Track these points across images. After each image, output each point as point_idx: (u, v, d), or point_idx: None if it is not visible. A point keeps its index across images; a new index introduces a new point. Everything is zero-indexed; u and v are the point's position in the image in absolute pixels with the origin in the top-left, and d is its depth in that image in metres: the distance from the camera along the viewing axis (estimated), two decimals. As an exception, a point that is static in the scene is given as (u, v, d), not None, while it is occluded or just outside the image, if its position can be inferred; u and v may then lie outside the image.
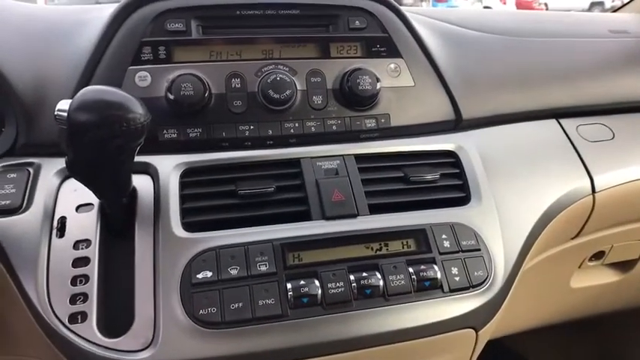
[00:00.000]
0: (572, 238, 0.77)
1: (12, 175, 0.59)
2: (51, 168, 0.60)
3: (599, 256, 0.88)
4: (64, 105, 0.48)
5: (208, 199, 0.58)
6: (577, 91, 0.80)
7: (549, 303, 0.89)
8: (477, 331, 0.57)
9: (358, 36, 0.68)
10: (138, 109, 0.47)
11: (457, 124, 0.71)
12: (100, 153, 0.50)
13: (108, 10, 0.69)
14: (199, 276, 0.52)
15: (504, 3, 11.95)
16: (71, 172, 0.54)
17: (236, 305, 0.51)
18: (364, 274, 0.54)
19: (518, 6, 11.34)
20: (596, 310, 0.98)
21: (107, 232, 0.56)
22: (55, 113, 0.48)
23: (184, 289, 0.51)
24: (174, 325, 0.50)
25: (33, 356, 0.57)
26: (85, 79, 0.62)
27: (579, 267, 0.86)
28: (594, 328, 1.14)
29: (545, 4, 11.50)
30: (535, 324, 0.95)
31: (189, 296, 0.51)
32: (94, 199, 0.58)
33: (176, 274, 0.52)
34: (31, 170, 0.60)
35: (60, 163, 0.60)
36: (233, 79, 0.64)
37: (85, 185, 0.55)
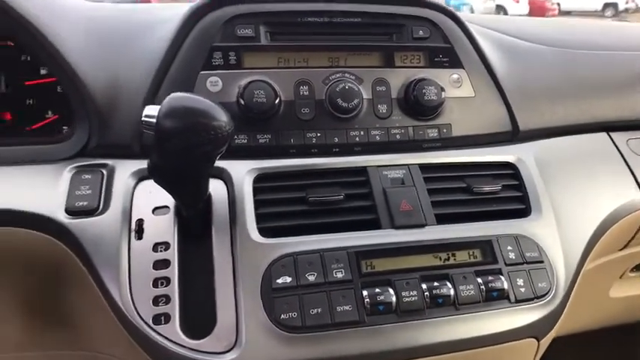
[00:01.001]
0: (620, 250, 0.79)
1: (86, 177, 0.60)
2: (124, 170, 0.61)
3: (640, 267, 0.90)
4: (151, 111, 0.49)
5: (280, 205, 0.60)
6: (627, 105, 0.81)
7: (586, 311, 0.92)
8: (538, 341, 0.59)
9: (422, 45, 0.69)
10: (223, 117, 0.48)
11: (514, 135, 0.73)
12: (185, 159, 0.51)
13: (172, 11, 0.70)
14: (279, 281, 0.53)
15: (517, 2, 11.90)
16: (153, 175, 0.55)
17: (315, 311, 0.52)
18: (435, 283, 0.56)
19: (532, 5, 11.31)
20: (632, 319, 1.00)
21: (183, 234, 0.58)
22: (143, 119, 0.49)
23: (265, 294, 0.53)
24: (258, 329, 0.51)
25: (109, 354, 0.59)
26: (157, 82, 0.63)
27: (620, 277, 0.88)
28: (626, 334, 1.16)
29: (558, 4, 11.48)
30: (568, 331, 0.97)
31: (270, 301, 0.53)
32: (170, 202, 0.59)
33: (256, 278, 0.54)
34: (104, 172, 0.61)
35: (132, 164, 0.62)
36: (301, 87, 0.65)
37: (165, 189, 0.56)
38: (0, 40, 0.73)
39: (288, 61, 0.66)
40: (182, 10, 0.67)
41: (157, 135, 0.49)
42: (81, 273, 0.55)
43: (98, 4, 0.75)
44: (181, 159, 0.52)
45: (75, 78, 0.60)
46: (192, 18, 0.64)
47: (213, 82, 0.63)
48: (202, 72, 0.63)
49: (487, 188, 0.65)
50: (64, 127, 0.68)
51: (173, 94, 0.50)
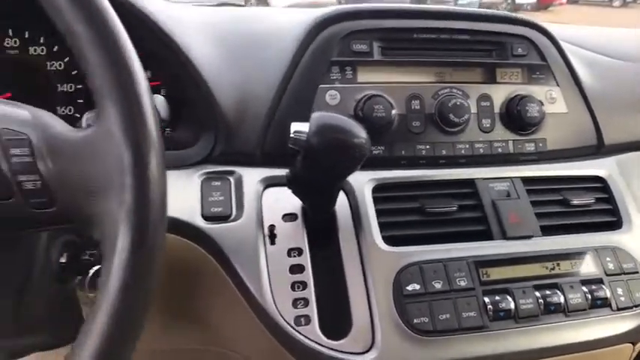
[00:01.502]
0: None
1: (216, 183, 0.63)
2: (251, 177, 0.64)
3: None
4: (300, 127, 0.53)
5: (399, 215, 0.64)
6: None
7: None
8: (634, 345, 0.65)
9: (520, 63, 0.73)
10: (364, 135, 0.52)
11: (598, 149, 0.77)
12: (326, 173, 0.55)
13: (286, 17, 0.73)
14: (409, 288, 0.58)
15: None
16: (292, 185, 0.59)
17: (444, 316, 0.57)
18: (547, 291, 0.61)
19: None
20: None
21: (310, 241, 0.62)
22: (292, 135, 0.53)
23: (397, 299, 0.57)
24: (394, 332, 0.56)
25: (239, 351, 0.63)
26: (280, 94, 0.66)
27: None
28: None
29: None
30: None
31: (403, 306, 0.57)
32: (297, 210, 0.63)
33: (387, 285, 0.58)
34: (231, 179, 0.64)
35: (256, 172, 0.65)
36: (413, 101, 0.69)
37: (300, 198, 0.60)
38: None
39: (398, 76, 0.69)
40: (298, 18, 0.70)
41: (305, 151, 0.53)
42: (220, 276, 0.59)
43: (216, 8, 0.78)
44: (323, 173, 0.56)
45: (209, 96, 0.63)
46: (313, 32, 0.67)
47: (332, 95, 0.67)
48: (321, 85, 0.66)
49: (581, 201, 0.69)
50: (167, 130, 0.71)
51: (320, 113, 0.53)
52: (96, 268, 0.54)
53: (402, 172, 0.67)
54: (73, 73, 0.75)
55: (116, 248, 0.35)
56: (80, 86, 0.76)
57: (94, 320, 0.35)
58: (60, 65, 0.75)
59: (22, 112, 0.38)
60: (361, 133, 0.52)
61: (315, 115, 0.53)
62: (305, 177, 0.57)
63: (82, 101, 0.76)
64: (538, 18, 0.80)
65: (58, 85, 0.75)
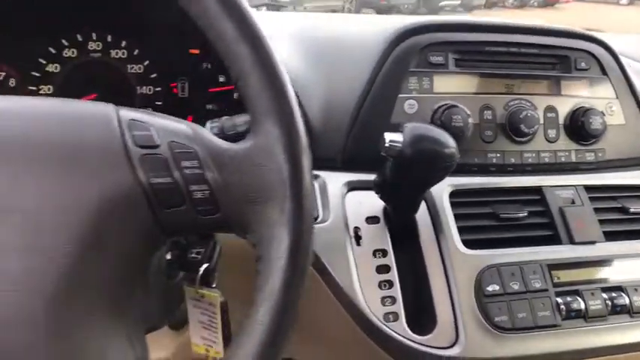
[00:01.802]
0: None
1: None
2: (333, 181, 0.68)
3: None
4: (394, 137, 0.57)
5: (474, 220, 0.68)
6: None
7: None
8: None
9: (584, 76, 0.77)
10: (454, 146, 0.56)
11: (650, 159, 0.81)
12: (416, 181, 0.59)
13: (362, 27, 0.76)
14: (489, 288, 0.62)
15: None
16: (380, 190, 0.63)
17: (521, 315, 0.61)
18: (613, 294, 0.65)
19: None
20: None
21: (393, 243, 0.66)
22: (388, 144, 0.56)
23: (479, 299, 0.62)
24: (477, 329, 0.60)
25: (332, 347, 0.68)
26: (361, 102, 0.70)
27: None
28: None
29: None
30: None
31: (483, 305, 0.61)
32: (379, 212, 0.67)
33: (469, 286, 0.62)
34: (316, 183, 0.68)
35: (337, 176, 0.69)
36: (485, 111, 0.72)
37: (386, 202, 0.64)
38: (191, 48, 0.79)
39: (471, 87, 0.73)
40: (378, 28, 0.74)
41: (399, 160, 0.57)
42: (312, 275, 0.63)
43: (298, 15, 0.81)
44: (413, 180, 0.60)
45: (300, 107, 0.66)
46: (393, 43, 0.70)
47: (411, 104, 0.70)
48: (400, 95, 0.70)
49: (638, 209, 0.73)
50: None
51: (413, 124, 0.57)
52: (205, 266, 0.58)
53: (475, 178, 0.71)
54: (152, 76, 0.79)
55: (276, 251, 0.39)
56: (159, 89, 0.80)
57: (257, 315, 0.38)
58: (139, 68, 0.78)
59: (184, 127, 0.41)
60: (452, 143, 0.56)
61: (410, 126, 0.57)
62: (394, 183, 0.61)
63: (160, 103, 0.80)
64: (544, 15, 0.84)
65: (137, 88, 0.79)
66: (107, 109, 0.41)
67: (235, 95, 0.82)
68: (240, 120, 0.52)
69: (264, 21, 0.74)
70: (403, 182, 0.60)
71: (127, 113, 0.41)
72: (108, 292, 0.37)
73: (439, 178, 0.59)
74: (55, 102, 0.41)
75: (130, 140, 0.39)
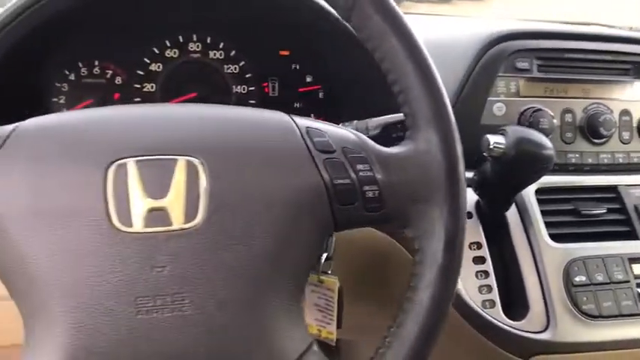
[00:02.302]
0: None
1: None
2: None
3: None
4: (497, 139, 0.62)
5: (559, 215, 0.73)
6: None
7: None
8: None
9: (655, 81, 0.82)
10: (552, 147, 0.61)
11: None
12: (516, 180, 0.65)
13: (455, 31, 0.81)
14: (577, 279, 0.68)
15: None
16: (477, 188, 0.68)
17: (606, 304, 0.67)
18: (686, 285, 0.71)
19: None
20: None
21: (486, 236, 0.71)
22: (492, 146, 0.62)
23: (568, 289, 0.67)
24: (567, 315, 0.66)
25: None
26: (453, 104, 0.74)
27: None
28: None
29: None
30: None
31: (572, 294, 0.67)
32: (472, 208, 0.72)
33: (558, 276, 0.68)
34: None
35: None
36: (566, 114, 0.78)
37: (482, 197, 0.69)
38: (281, 49, 0.84)
39: (552, 91, 0.78)
40: (470, 33, 0.78)
41: (502, 161, 0.62)
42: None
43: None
44: (513, 180, 0.65)
45: None
46: (484, 48, 0.75)
47: (499, 107, 0.75)
48: (490, 98, 0.75)
49: None
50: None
51: (515, 127, 0.63)
52: (325, 255, 0.63)
53: (557, 177, 0.76)
54: (246, 76, 0.84)
55: (435, 245, 0.44)
56: (252, 88, 0.84)
57: (417, 298, 0.44)
58: (235, 69, 0.83)
59: (349, 134, 0.46)
60: (551, 145, 0.61)
61: (512, 129, 0.62)
62: (494, 182, 0.66)
63: (254, 102, 0.85)
64: (473, 7, 0.87)
65: (233, 87, 0.84)
66: (284, 117, 0.46)
67: (321, 95, 0.87)
68: (373, 124, 0.57)
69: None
70: (502, 181, 0.65)
71: (302, 121, 0.46)
72: (292, 276, 0.43)
73: (536, 178, 0.65)
74: (239, 110, 0.46)
75: (311, 145, 0.44)
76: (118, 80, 0.80)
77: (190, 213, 0.39)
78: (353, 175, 0.44)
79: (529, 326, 0.66)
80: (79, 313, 0.38)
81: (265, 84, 0.85)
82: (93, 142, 0.40)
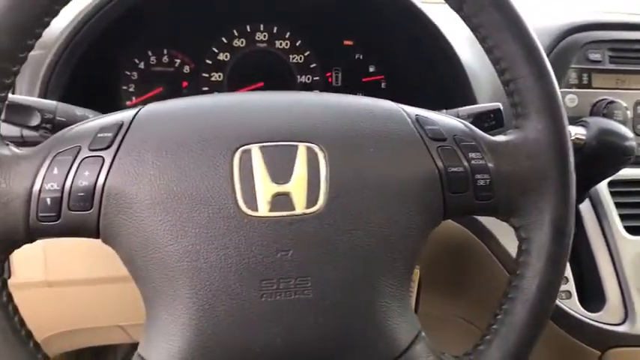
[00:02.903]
0: None
1: None
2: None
3: None
4: (578, 130, 0.62)
5: (630, 208, 0.73)
6: None
7: None
8: None
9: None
10: (633, 138, 0.61)
11: None
12: (596, 171, 0.64)
13: None
14: (654, 271, 0.68)
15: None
16: None
17: (681, 297, 0.67)
18: None
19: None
20: None
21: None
22: (573, 137, 0.61)
23: (644, 281, 0.67)
24: (644, 307, 0.66)
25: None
26: None
27: None
28: None
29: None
30: None
31: (649, 287, 0.67)
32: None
33: (635, 268, 0.68)
34: None
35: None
36: (638, 106, 0.77)
37: None
38: (346, 39, 0.84)
39: (624, 83, 0.77)
40: (543, 24, 0.77)
41: (582, 152, 0.62)
42: (484, 253, 0.69)
43: None
44: (592, 171, 0.65)
45: (471, 95, 0.71)
46: (557, 39, 0.74)
47: (571, 99, 0.75)
48: (562, 89, 0.75)
49: None
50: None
51: (595, 118, 0.62)
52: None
53: (629, 170, 0.75)
54: (311, 66, 0.84)
55: (545, 235, 0.44)
56: (317, 78, 0.85)
57: (527, 283, 0.44)
58: (300, 58, 0.84)
59: (458, 122, 0.47)
60: (632, 136, 0.61)
61: (593, 120, 0.62)
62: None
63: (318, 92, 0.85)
64: None
65: (298, 77, 0.84)
66: (394, 105, 0.46)
67: (383, 85, 0.87)
68: (464, 112, 0.57)
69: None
70: (580, 173, 0.65)
71: (410, 109, 0.46)
72: (405, 262, 0.43)
73: (616, 170, 0.64)
74: (352, 98, 0.46)
75: (423, 133, 0.44)
76: (186, 69, 0.81)
77: (312, 198, 0.40)
78: (465, 163, 0.44)
79: (606, 318, 0.66)
80: (205, 296, 0.39)
81: (329, 74, 0.85)
82: (218, 127, 0.41)
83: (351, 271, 0.40)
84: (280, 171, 0.40)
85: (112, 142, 0.40)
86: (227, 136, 0.40)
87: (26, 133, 0.63)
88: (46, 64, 0.63)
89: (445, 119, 0.46)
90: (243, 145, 0.40)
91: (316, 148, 0.41)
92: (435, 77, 0.75)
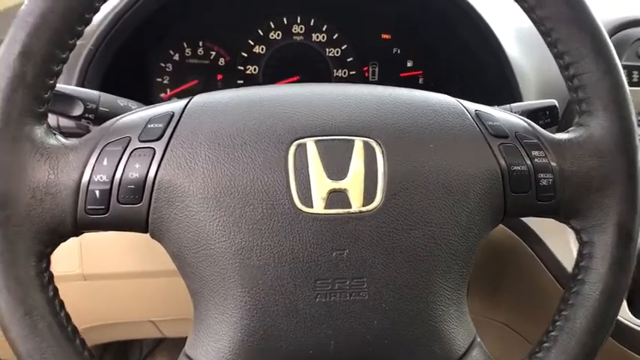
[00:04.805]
0: None
1: None
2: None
3: None
4: None
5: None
6: None
7: None
8: None
9: None
10: None
11: None
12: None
13: None
14: None
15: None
16: None
17: None
18: None
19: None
20: None
21: None
22: None
23: None
24: None
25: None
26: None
27: None
28: None
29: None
30: None
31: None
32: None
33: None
34: None
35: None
36: None
37: None
38: (383, 33, 0.82)
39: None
40: None
41: None
42: (534, 261, 0.66)
43: None
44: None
45: (516, 90, 0.68)
46: (609, 34, 0.71)
47: (625, 97, 0.72)
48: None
49: None
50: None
51: None
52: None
53: None
54: (348, 60, 0.82)
55: (609, 238, 0.42)
56: (353, 72, 0.83)
57: (586, 292, 0.42)
58: (337, 52, 0.82)
59: (518, 119, 0.44)
60: None
61: None
62: None
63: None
64: None
65: (334, 71, 0.82)
66: (452, 99, 0.44)
67: (420, 81, 0.85)
68: (517, 109, 0.55)
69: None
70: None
71: (469, 104, 0.44)
72: (464, 264, 0.41)
73: None
74: (409, 91, 0.44)
75: (484, 130, 0.42)
76: (221, 61, 0.80)
77: (369, 196, 0.38)
78: (528, 161, 0.42)
79: (656, 326, 0.64)
80: (257, 295, 0.37)
81: (366, 68, 0.83)
82: (271, 120, 0.39)
83: (408, 273, 0.38)
84: (336, 166, 0.38)
85: (163, 133, 0.39)
86: (281, 130, 0.39)
87: (63, 123, 0.62)
88: (85, 54, 0.62)
89: (505, 115, 0.44)
90: (298, 139, 0.39)
91: (373, 143, 0.39)
92: (479, 73, 0.73)
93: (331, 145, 0.39)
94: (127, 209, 0.38)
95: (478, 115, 0.43)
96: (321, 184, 0.38)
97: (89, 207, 0.38)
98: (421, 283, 0.39)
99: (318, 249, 0.37)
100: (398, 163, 0.39)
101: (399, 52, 0.83)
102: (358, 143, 0.39)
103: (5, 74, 0.36)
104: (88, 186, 0.37)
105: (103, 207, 0.38)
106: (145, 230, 0.40)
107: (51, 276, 0.39)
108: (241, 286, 0.37)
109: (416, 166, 0.39)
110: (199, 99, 0.41)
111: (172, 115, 0.40)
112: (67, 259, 0.64)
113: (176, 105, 0.41)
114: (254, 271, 0.37)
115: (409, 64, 0.84)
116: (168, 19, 0.75)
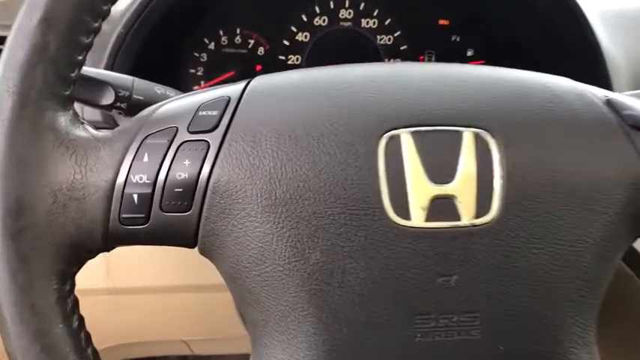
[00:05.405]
0: None
1: None
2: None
3: None
4: None
5: None
6: None
7: None
8: None
9: None
10: None
11: None
12: None
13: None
14: None
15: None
16: None
17: None
18: None
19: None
20: None
21: None
22: None
23: None
24: None
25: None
26: None
27: None
28: None
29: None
30: None
31: None
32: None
33: None
34: None
35: None
36: None
37: None
38: (441, 19, 0.74)
39: None
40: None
41: None
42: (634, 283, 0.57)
43: None
44: None
45: (607, 79, 0.59)
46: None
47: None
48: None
49: None
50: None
51: None
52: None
53: None
54: (401, 48, 0.73)
55: None
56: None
57: None
58: (389, 39, 0.73)
59: None
60: None
61: None
62: None
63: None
64: None
65: (386, 59, 0.74)
66: (576, 83, 0.35)
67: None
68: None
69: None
70: None
71: (596, 90, 0.35)
72: (597, 291, 0.32)
73: None
74: (521, 73, 0.35)
75: (620, 120, 0.33)
76: (261, 51, 0.72)
77: (483, 204, 0.29)
78: None
79: None
80: (337, 332, 0.29)
81: (422, 57, 0.74)
82: (355, 107, 0.31)
83: (531, 307, 0.30)
84: (440, 166, 0.30)
85: (219, 122, 0.30)
86: (368, 119, 0.30)
87: (88, 112, 0.55)
88: (115, 36, 0.55)
89: None
90: (389, 130, 0.30)
91: (487, 136, 0.30)
92: (558, 61, 0.64)
93: (432, 137, 0.30)
94: (172, 218, 0.30)
95: (609, 103, 0.34)
96: (420, 190, 0.29)
97: (124, 215, 0.30)
98: (547, 320, 0.30)
99: (417, 274, 0.29)
100: (519, 162, 0.30)
101: (458, 39, 0.74)
102: (467, 135, 0.30)
103: (23, 45, 0.28)
104: (123, 189, 0.29)
105: (142, 215, 0.30)
106: (192, 245, 0.31)
107: (75, 302, 0.31)
108: (317, 320, 0.29)
109: (543, 165, 0.30)
110: (261, 80, 0.33)
111: (229, 101, 0.31)
112: (92, 270, 0.56)
113: (232, 88, 0.33)
114: (335, 302, 0.29)
115: (469, 53, 0.75)
116: (203, 3, 0.68)
